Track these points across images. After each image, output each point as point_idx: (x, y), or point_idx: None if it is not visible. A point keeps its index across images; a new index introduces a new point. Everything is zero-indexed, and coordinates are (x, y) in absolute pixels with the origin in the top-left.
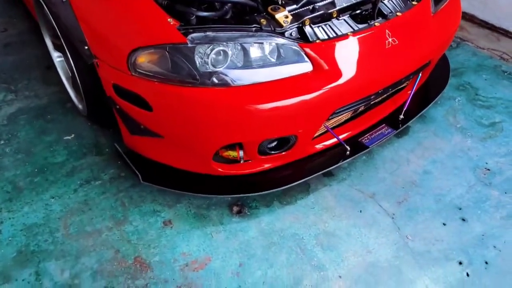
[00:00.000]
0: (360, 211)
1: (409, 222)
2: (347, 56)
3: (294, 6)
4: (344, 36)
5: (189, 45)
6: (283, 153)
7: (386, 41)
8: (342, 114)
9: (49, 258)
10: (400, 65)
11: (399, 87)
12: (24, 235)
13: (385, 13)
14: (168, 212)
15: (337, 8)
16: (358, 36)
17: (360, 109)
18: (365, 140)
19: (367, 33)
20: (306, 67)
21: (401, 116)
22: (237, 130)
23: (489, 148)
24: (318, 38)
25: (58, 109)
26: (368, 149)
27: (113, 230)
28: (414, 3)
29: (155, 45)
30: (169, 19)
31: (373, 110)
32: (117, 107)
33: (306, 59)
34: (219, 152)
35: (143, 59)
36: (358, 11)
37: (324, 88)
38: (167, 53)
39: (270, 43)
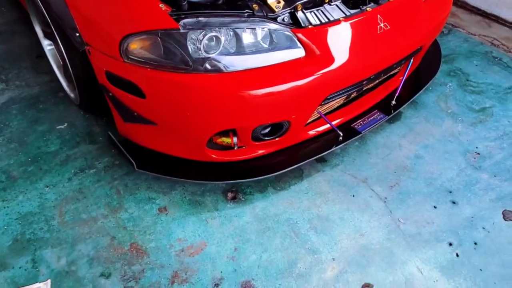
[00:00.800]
0: (353, 196)
1: (401, 205)
2: (339, 41)
3: None
4: (336, 22)
5: (181, 30)
6: (277, 139)
7: (378, 26)
8: (334, 100)
9: (45, 246)
10: (392, 50)
11: (391, 73)
12: (19, 224)
13: None
14: (163, 199)
15: None
16: (350, 22)
17: (352, 95)
18: (358, 125)
19: (359, 18)
20: (298, 52)
21: (393, 102)
22: (230, 116)
23: (479, 133)
24: (310, 24)
25: (50, 98)
26: (361, 134)
27: (108, 217)
28: None
29: (147, 31)
30: (160, 5)
31: (365, 96)
32: (110, 94)
33: (299, 44)
34: (213, 139)
35: (136, 46)
36: None
37: (317, 73)
38: (159, 39)
39: (263, 29)
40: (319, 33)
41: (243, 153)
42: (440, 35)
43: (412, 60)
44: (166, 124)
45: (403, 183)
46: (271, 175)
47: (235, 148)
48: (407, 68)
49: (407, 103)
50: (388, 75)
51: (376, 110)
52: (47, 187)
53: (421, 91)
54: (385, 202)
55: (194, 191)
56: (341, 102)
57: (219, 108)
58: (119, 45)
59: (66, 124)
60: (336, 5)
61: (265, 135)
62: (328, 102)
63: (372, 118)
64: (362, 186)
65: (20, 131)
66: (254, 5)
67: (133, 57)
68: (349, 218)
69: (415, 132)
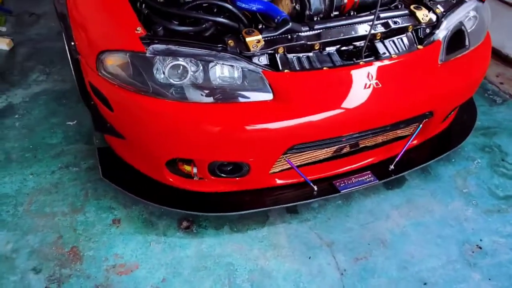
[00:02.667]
0: (309, 258)
1: (359, 283)
2: (315, 91)
3: (272, 33)
4: (319, 70)
5: (148, 54)
6: (237, 179)
7: (366, 83)
8: (309, 152)
9: (1, 228)
10: (380, 111)
11: (397, 135)
12: None
13: (380, 53)
14: (122, 212)
15: (322, 41)
16: (333, 72)
17: (344, 149)
18: (340, 183)
19: (345, 71)
20: (266, 96)
21: (391, 167)
22: (185, 146)
23: (491, 224)
24: (289, 68)
25: (74, 96)
26: (339, 193)
27: (66, 216)
28: (419, 47)
29: (120, 50)
30: (138, 28)
31: (360, 154)
32: (92, 103)
33: (268, 87)
34: (178, 165)
35: (111, 62)
36: (346, 47)
37: (281, 121)
38: (129, 59)
39: (232, 65)
40: (294, 79)
41: (201, 185)
42: (490, 104)
43: (421, 126)
44: (132, 139)
45: (373, 258)
46: (227, 213)
47: (195, 179)
48: (414, 134)
49: (408, 171)
50: (390, 136)
51: (369, 171)
52: (32, 175)
53: (431, 161)
54: (342, 274)
55: (153, 211)
56: (328, 155)
57: (173, 136)
58: (96, 59)
59: (75, 122)
60: (329, 54)
61: (225, 172)
62: (300, 153)
63: (360, 179)
64: (325, 250)
65: (36, 120)
66: (230, 41)
67: (106, 72)
68: (293, 281)
69: (413, 205)
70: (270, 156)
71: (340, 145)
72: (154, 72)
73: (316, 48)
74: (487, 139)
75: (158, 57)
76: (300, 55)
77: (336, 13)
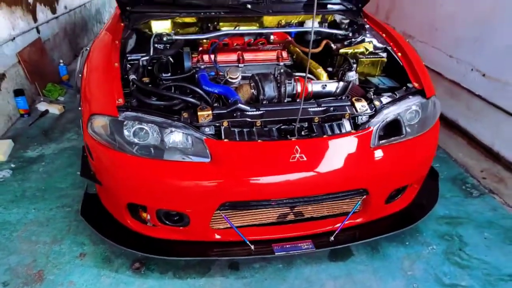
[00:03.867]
0: None
1: None
2: (246, 159)
3: (221, 110)
4: (253, 141)
5: (119, 118)
6: (181, 228)
7: (292, 155)
8: (251, 213)
9: None
10: (304, 182)
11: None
12: None
13: (315, 132)
14: (90, 247)
15: (263, 119)
16: (265, 145)
17: (288, 216)
18: (278, 247)
19: (275, 144)
20: (204, 158)
21: (331, 238)
22: (137, 193)
23: None
24: (230, 138)
25: None
26: (273, 255)
27: (46, 245)
28: (351, 131)
29: (103, 114)
30: (119, 99)
31: (305, 223)
32: (84, 154)
33: (207, 152)
34: (139, 211)
35: (96, 123)
36: (286, 126)
37: (212, 180)
38: (108, 122)
39: (182, 132)
40: (229, 147)
41: (153, 231)
42: (465, 196)
43: (360, 203)
44: (105, 185)
45: None
46: (168, 258)
47: (148, 224)
48: (353, 209)
49: (347, 244)
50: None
51: (310, 240)
52: (34, 209)
53: (372, 239)
54: None
55: (115, 251)
56: (273, 220)
57: (129, 183)
58: (88, 120)
59: None
60: (269, 129)
61: (170, 220)
62: (235, 211)
63: (298, 245)
64: None
65: (56, 168)
66: (184, 113)
67: (92, 130)
68: None
69: (351, 279)
70: (205, 209)
71: (283, 212)
72: (124, 132)
73: (258, 124)
74: (451, 228)
75: (127, 121)
76: (244, 129)
77: (289, 99)
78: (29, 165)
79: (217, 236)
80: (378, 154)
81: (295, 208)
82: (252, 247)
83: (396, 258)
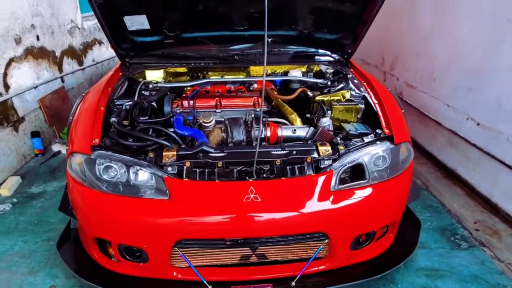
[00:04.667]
0: None
1: None
2: (203, 198)
3: (186, 151)
4: (210, 181)
5: (91, 157)
6: (141, 264)
7: (246, 196)
8: (208, 252)
9: None
10: (256, 222)
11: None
12: None
13: (275, 174)
14: (62, 280)
15: (224, 160)
16: (222, 185)
17: (251, 258)
18: None
19: (232, 185)
20: (163, 196)
21: (293, 283)
22: (100, 227)
23: None
24: (190, 178)
25: None
26: None
27: (23, 275)
28: (311, 174)
29: (79, 153)
30: (95, 139)
31: (268, 266)
32: (66, 190)
33: (166, 189)
34: (107, 246)
35: (75, 161)
36: (246, 168)
37: (168, 218)
38: (83, 160)
39: (146, 171)
40: (187, 186)
41: (116, 266)
42: (451, 248)
43: (321, 247)
44: (79, 220)
45: None
46: None
47: (112, 259)
48: (314, 254)
49: None
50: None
51: (271, 284)
52: (22, 241)
53: (337, 286)
54: None
55: (84, 285)
56: (235, 262)
57: (93, 218)
58: (68, 158)
59: None
60: (230, 170)
61: (131, 255)
62: (192, 249)
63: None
64: None
65: (51, 204)
66: (150, 154)
67: (70, 168)
68: None
69: None
70: (161, 246)
71: (245, 254)
72: (96, 170)
73: (219, 165)
74: (429, 281)
75: (98, 159)
76: (206, 169)
77: (256, 142)
78: (29, 200)
79: (177, 275)
80: (338, 197)
81: (257, 250)
82: (210, 287)
83: None
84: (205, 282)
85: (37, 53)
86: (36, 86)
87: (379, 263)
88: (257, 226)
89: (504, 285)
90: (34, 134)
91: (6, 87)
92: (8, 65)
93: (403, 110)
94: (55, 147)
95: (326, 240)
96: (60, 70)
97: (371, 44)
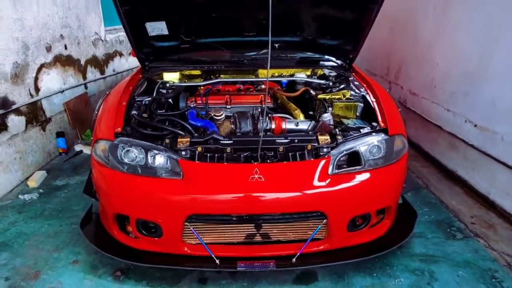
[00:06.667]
0: None
1: None
2: (212, 178)
3: (198, 139)
4: (220, 163)
5: (114, 142)
6: (156, 238)
7: (251, 176)
8: (217, 228)
9: (5, 251)
10: (260, 200)
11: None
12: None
13: (278, 157)
14: (83, 256)
15: (233, 147)
16: (230, 167)
17: (255, 238)
18: (242, 264)
19: (238, 167)
20: (178, 176)
21: (293, 260)
22: (120, 203)
23: None
24: (202, 160)
25: None
26: (235, 270)
27: (48, 252)
28: (310, 159)
29: (104, 139)
30: (118, 128)
31: (271, 245)
32: (90, 175)
33: (180, 170)
34: (126, 224)
35: (99, 147)
36: (252, 154)
37: (181, 195)
38: (106, 146)
39: (163, 155)
40: (198, 167)
41: (134, 242)
42: (446, 238)
43: (320, 227)
44: (100, 200)
45: None
46: (140, 264)
47: (130, 235)
48: (313, 233)
49: (308, 267)
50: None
51: (274, 260)
52: (47, 224)
53: (331, 264)
54: None
55: (103, 260)
56: (241, 240)
57: (114, 195)
58: (93, 144)
59: None
60: (238, 156)
61: (147, 230)
62: (204, 225)
63: (261, 264)
64: None
65: (74, 194)
66: (166, 140)
67: (95, 153)
68: None
69: None
70: (174, 220)
71: (250, 232)
72: (117, 154)
73: (228, 151)
74: (423, 265)
75: (120, 144)
76: (216, 154)
77: (263, 133)
78: (54, 191)
79: (187, 250)
80: (335, 180)
81: (261, 229)
82: (217, 261)
83: (359, 286)
84: (213, 256)
85: (64, 61)
86: (63, 91)
87: (375, 246)
88: (260, 203)
89: (495, 270)
90: (59, 134)
91: (37, 89)
92: (39, 70)
93: (400, 109)
94: (77, 147)
95: (324, 220)
96: (84, 77)
97: (377, 56)
